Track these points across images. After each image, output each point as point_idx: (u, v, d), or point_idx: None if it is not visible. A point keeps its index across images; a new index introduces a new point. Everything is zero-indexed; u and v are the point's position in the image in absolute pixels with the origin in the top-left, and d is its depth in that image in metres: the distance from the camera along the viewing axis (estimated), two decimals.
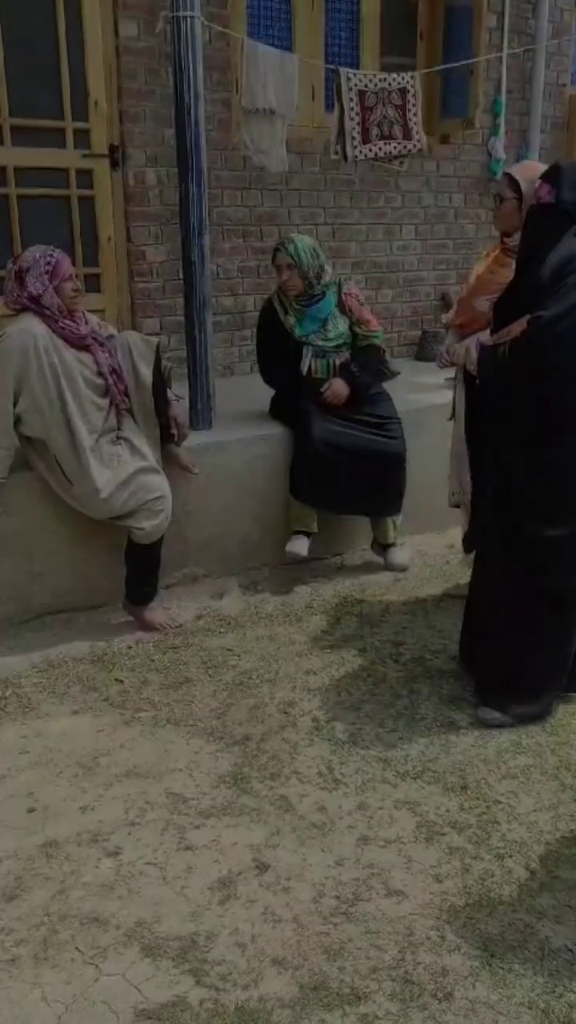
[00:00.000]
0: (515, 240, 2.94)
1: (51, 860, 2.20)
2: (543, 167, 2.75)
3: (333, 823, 2.34)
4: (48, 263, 3.09)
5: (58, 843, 2.26)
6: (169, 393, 3.42)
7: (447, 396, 3.70)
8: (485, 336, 2.91)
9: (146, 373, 3.31)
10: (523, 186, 2.93)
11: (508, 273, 2.91)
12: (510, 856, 2.22)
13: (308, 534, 3.77)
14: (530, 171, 2.93)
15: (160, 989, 1.84)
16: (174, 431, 3.44)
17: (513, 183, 2.99)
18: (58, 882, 2.13)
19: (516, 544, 2.69)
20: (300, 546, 3.72)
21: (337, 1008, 1.80)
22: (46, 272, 3.08)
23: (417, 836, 2.29)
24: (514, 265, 2.76)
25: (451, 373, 3.60)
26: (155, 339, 3.45)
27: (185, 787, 2.48)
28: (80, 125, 4.29)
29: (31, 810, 2.39)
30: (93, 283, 4.42)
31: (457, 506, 3.54)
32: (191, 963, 1.90)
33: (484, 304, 3.15)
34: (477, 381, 2.71)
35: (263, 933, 1.99)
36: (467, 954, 1.93)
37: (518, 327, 2.52)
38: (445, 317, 3.51)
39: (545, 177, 2.60)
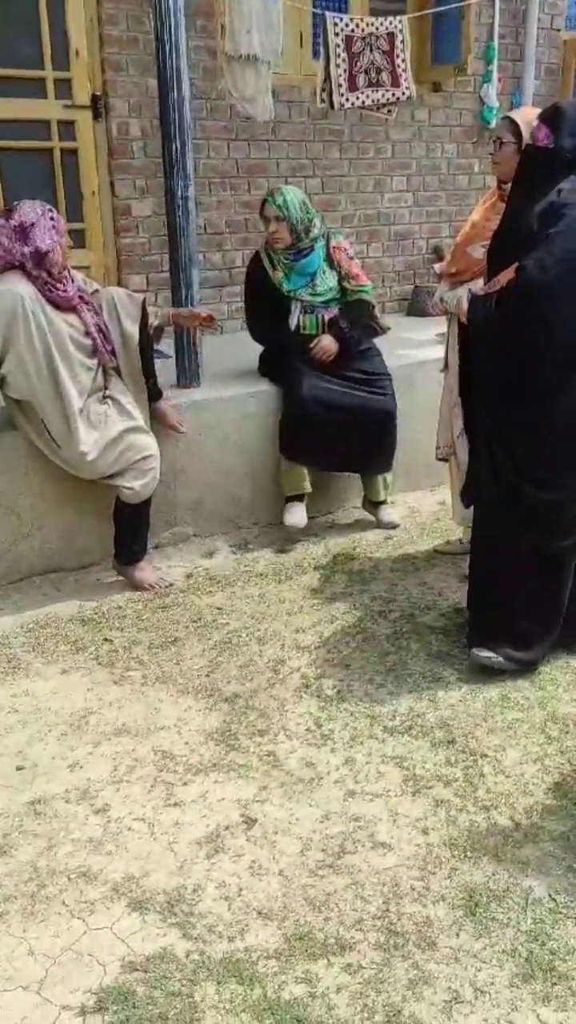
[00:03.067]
0: None
1: (39, 817, 2.22)
2: None
3: (320, 778, 2.36)
4: (52, 218, 3.02)
5: (47, 800, 2.27)
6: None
7: (439, 352, 3.66)
8: (478, 285, 2.86)
9: (132, 331, 3.26)
10: (523, 130, 2.85)
11: None
12: (495, 808, 2.24)
13: (302, 497, 3.75)
14: (531, 115, 2.85)
15: (147, 942, 1.86)
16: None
17: (513, 127, 2.90)
18: (46, 839, 2.15)
19: (512, 504, 2.67)
20: (298, 516, 3.70)
21: (322, 958, 1.82)
22: (53, 226, 3.00)
23: (404, 789, 2.31)
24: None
25: (443, 328, 3.55)
26: (140, 295, 3.39)
27: (173, 744, 2.49)
28: (61, 75, 4.19)
29: (20, 768, 2.40)
30: (78, 239, 4.33)
31: (445, 459, 3.52)
32: (178, 916, 1.92)
33: (479, 251, 3.10)
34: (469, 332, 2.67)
35: (249, 886, 2.01)
36: (451, 904, 1.95)
37: (506, 276, 2.47)
38: (438, 266, 3.45)
39: (544, 118, 2.49)
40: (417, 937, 1.87)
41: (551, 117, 2.47)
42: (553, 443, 2.58)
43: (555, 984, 1.77)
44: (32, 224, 2.97)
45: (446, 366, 3.45)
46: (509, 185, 2.97)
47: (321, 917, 1.92)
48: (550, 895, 1.97)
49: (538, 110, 2.87)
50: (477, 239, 3.16)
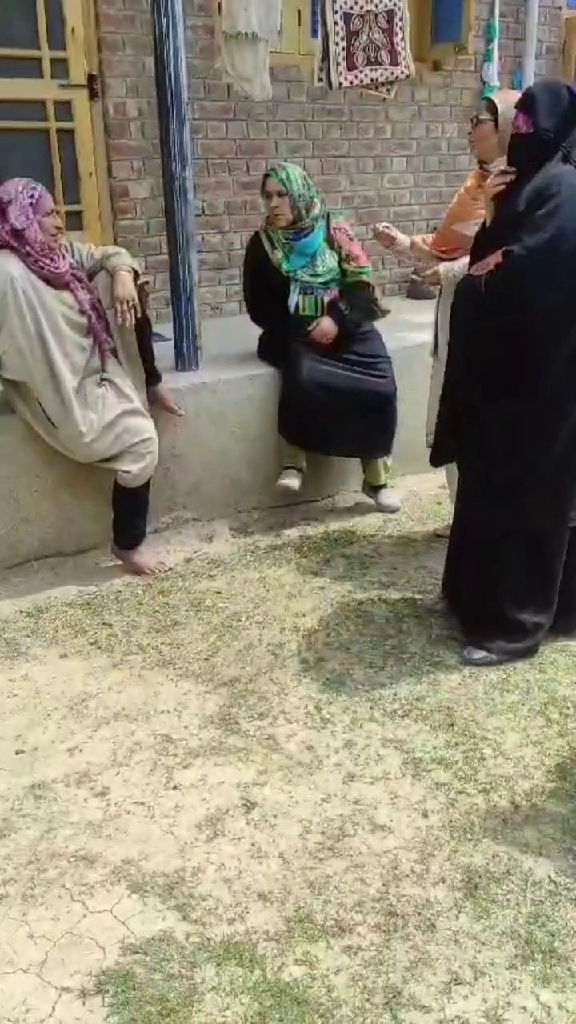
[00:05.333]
0: (495, 167, 2.86)
1: (39, 801, 2.22)
2: None
3: (320, 761, 2.35)
4: (31, 196, 2.99)
5: (46, 784, 2.27)
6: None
7: None
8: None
9: None
10: (500, 108, 2.86)
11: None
12: (495, 791, 2.24)
13: (299, 469, 3.74)
14: (510, 97, 2.87)
15: (146, 924, 1.86)
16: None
17: (491, 105, 2.92)
18: (46, 822, 2.14)
19: (493, 485, 2.67)
20: (292, 480, 3.69)
21: (321, 940, 1.83)
22: (30, 204, 2.98)
23: (403, 773, 2.31)
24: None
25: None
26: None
27: (173, 728, 2.49)
28: (57, 54, 4.14)
29: (19, 752, 2.40)
30: (75, 221, 4.31)
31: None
32: (177, 899, 1.93)
33: (471, 228, 3.10)
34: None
35: (249, 869, 2.01)
36: (451, 886, 1.96)
37: (494, 259, 2.46)
38: (417, 267, 3.44)
39: (520, 106, 2.52)
40: (417, 919, 1.87)
41: (526, 103, 2.50)
42: (532, 430, 2.57)
43: (554, 966, 1.77)
44: (9, 201, 2.96)
45: (435, 351, 3.44)
46: (491, 165, 2.96)
47: (321, 899, 1.92)
48: (550, 877, 1.98)
49: (519, 93, 2.87)
50: (458, 218, 3.21)
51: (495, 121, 2.88)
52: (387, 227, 3.47)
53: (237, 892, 1.94)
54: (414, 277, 3.58)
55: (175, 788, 2.26)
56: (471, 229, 3.10)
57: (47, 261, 3.03)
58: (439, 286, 3.32)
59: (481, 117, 2.94)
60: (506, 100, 2.85)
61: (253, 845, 2.07)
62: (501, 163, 2.66)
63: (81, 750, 2.41)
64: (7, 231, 2.97)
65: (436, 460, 3.00)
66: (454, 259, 3.19)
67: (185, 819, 2.16)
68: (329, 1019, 1.66)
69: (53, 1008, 1.68)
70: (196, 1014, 1.67)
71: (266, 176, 3.63)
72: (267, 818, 2.16)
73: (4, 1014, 1.67)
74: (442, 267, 3.23)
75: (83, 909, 1.90)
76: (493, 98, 2.93)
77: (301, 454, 3.75)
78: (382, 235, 3.46)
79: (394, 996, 1.70)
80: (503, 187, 2.52)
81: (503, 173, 2.53)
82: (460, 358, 2.70)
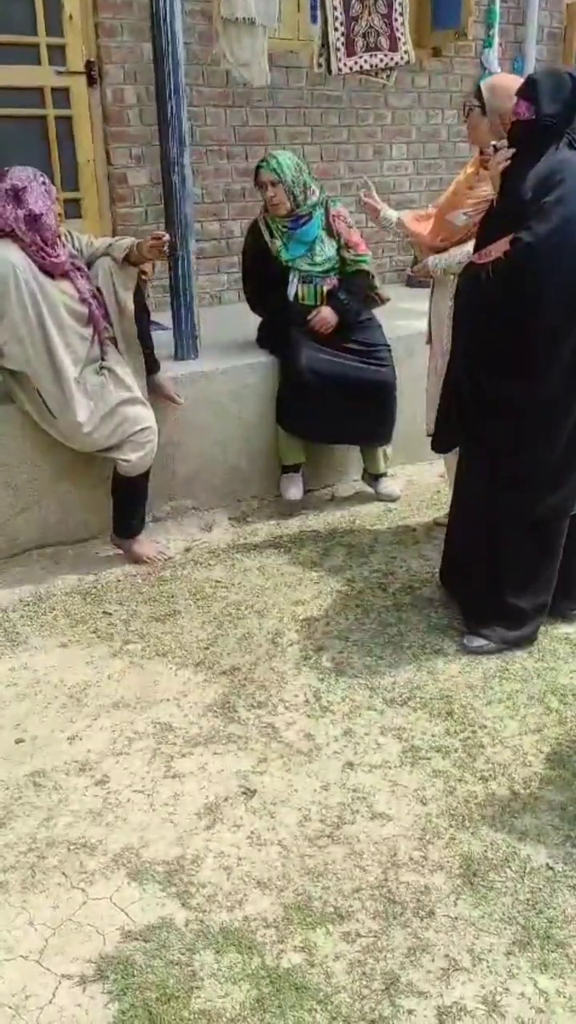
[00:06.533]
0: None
1: (39, 789, 2.22)
2: (516, 78, 2.65)
3: (319, 749, 2.36)
4: (44, 182, 2.99)
5: (46, 773, 2.28)
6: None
7: None
8: (465, 250, 2.87)
9: (127, 300, 3.23)
10: (484, 94, 2.84)
11: (485, 188, 2.85)
12: (494, 778, 2.24)
13: (298, 468, 3.73)
14: (499, 81, 2.86)
15: (146, 911, 1.87)
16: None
17: (479, 92, 2.90)
18: (46, 810, 2.15)
19: (496, 480, 2.67)
20: (295, 490, 3.70)
21: (320, 927, 1.83)
22: (46, 191, 2.98)
23: (402, 761, 2.31)
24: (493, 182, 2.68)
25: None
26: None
27: (172, 717, 2.50)
28: (54, 40, 4.11)
29: (19, 741, 2.41)
30: (73, 209, 4.28)
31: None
32: (177, 886, 1.93)
33: (461, 219, 3.10)
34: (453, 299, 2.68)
35: (248, 856, 2.01)
36: (449, 873, 1.96)
37: (501, 247, 2.45)
38: (414, 268, 3.42)
39: (521, 93, 2.50)
40: (415, 905, 1.88)
41: (527, 90, 2.49)
42: (534, 429, 2.58)
43: (552, 952, 1.78)
44: (24, 188, 2.94)
45: (430, 339, 3.43)
46: (489, 151, 2.94)
47: (319, 886, 1.93)
48: (548, 864, 1.98)
49: (509, 76, 2.86)
50: (456, 206, 3.18)
51: (482, 107, 2.86)
52: (369, 194, 3.44)
53: (236, 879, 1.95)
54: (408, 272, 3.58)
55: (174, 776, 2.27)
56: (460, 219, 3.10)
57: (49, 250, 3.02)
58: (431, 277, 3.32)
59: (470, 104, 2.93)
60: (491, 84, 2.83)
61: (252, 833, 2.08)
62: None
63: (81, 739, 2.41)
64: (22, 217, 2.94)
65: (438, 447, 3.00)
66: (445, 250, 3.19)
67: (184, 807, 2.16)
68: (328, 1005, 1.67)
69: (53, 995, 1.69)
70: (195, 1000, 1.68)
71: (258, 168, 3.60)
72: (266, 806, 2.16)
73: (4, 1001, 1.68)
74: (430, 260, 3.24)
75: (83, 896, 1.91)
76: (481, 84, 2.91)
77: (300, 448, 3.72)
78: (366, 204, 3.45)
79: (392, 982, 1.71)
80: (508, 162, 2.50)
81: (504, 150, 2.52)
82: (463, 349, 2.69)
